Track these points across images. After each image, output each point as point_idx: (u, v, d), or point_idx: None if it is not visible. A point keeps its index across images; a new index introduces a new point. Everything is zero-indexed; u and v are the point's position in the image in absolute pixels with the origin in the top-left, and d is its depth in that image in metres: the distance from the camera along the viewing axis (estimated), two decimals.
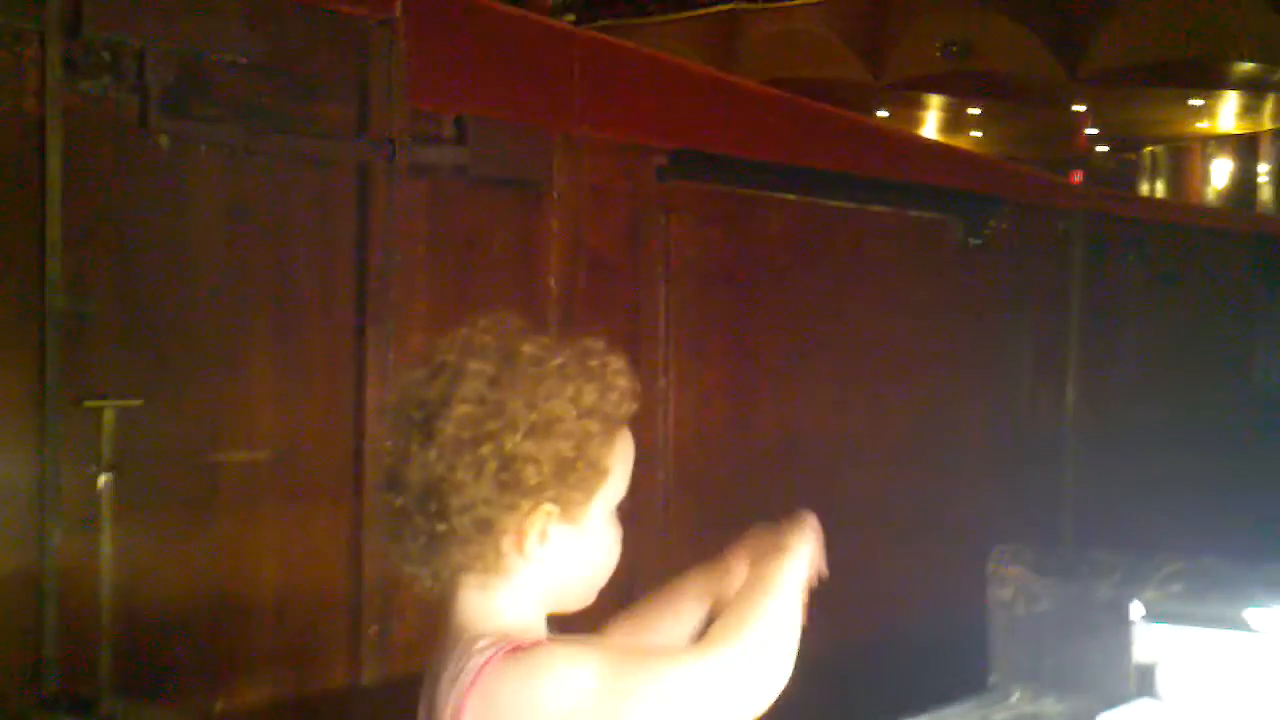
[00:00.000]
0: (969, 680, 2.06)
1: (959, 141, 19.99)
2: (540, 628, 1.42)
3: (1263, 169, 20.03)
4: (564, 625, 1.45)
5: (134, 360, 2.46)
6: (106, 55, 2.35)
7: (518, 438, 1.33)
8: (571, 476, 1.35)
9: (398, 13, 2.72)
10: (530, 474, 1.33)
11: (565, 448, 1.34)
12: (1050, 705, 1.94)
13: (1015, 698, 1.96)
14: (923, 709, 1.89)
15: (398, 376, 1.84)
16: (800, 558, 1.49)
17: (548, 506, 1.35)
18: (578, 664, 1.30)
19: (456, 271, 2.97)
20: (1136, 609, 1.89)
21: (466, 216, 3.00)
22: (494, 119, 3.00)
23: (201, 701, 2.36)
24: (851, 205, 3.99)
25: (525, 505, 1.34)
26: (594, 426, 1.36)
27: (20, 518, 2.31)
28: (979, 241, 4.37)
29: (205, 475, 2.55)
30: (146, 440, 2.44)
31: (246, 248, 2.61)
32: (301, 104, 2.66)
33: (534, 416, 1.34)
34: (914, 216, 4.22)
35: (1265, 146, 20.08)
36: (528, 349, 1.38)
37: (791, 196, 3.81)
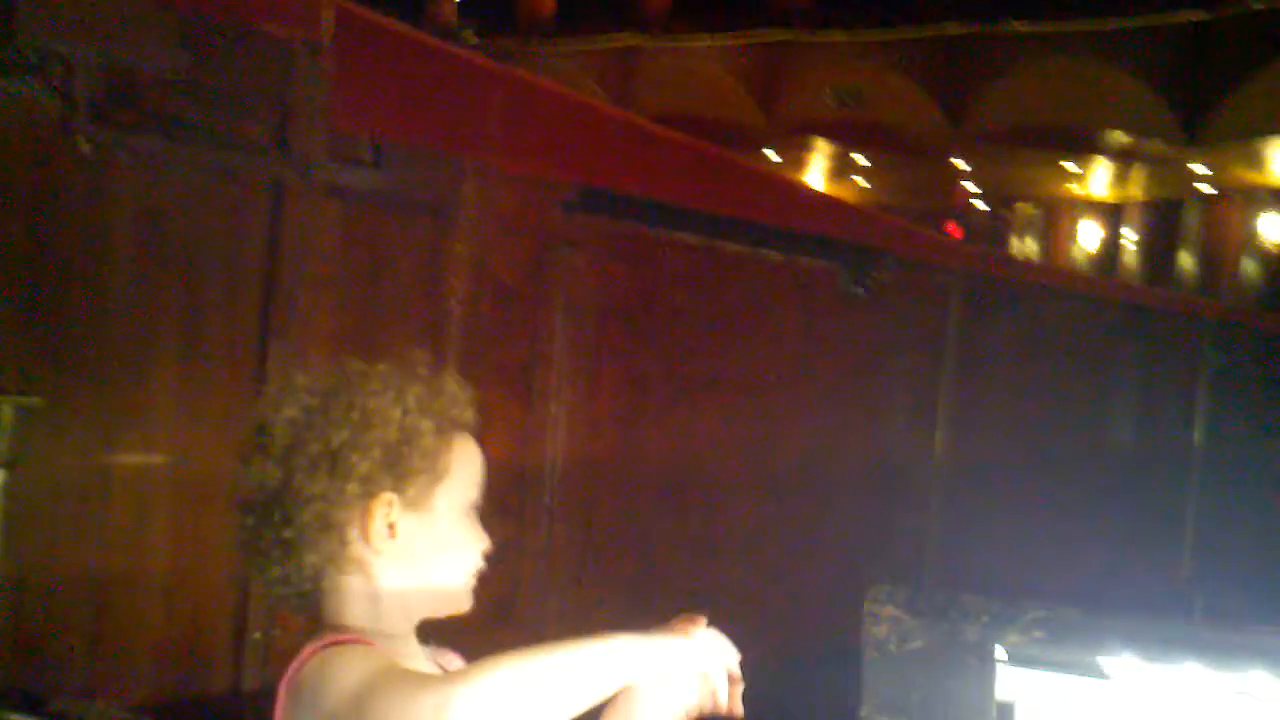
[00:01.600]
0: (839, 712, 2.17)
1: (844, 188, 20.44)
2: (400, 632, 1.46)
3: (1128, 235, 20.82)
4: None
5: (37, 358, 2.47)
6: (34, 59, 2.37)
7: (344, 432, 1.39)
8: (403, 465, 1.41)
9: (325, 37, 2.77)
10: (359, 462, 1.39)
11: (391, 436, 1.41)
12: None
13: None
14: None
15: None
16: (682, 658, 1.43)
17: (387, 495, 1.40)
18: (369, 665, 1.31)
19: (363, 291, 3.02)
20: (1000, 651, 2.02)
21: (376, 238, 3.05)
22: (410, 145, 3.06)
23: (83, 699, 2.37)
24: (746, 250, 4.12)
25: (361, 494, 1.40)
26: (422, 423, 1.43)
27: None
28: (863, 291, 4.53)
29: (100, 476, 2.57)
30: (45, 439, 2.45)
31: (158, 256, 2.63)
32: (223, 119, 2.69)
33: (355, 414, 1.40)
34: (803, 264, 4.37)
35: (1131, 214, 20.88)
36: (355, 366, 1.46)
37: (689, 238, 3.93)
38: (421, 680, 1.30)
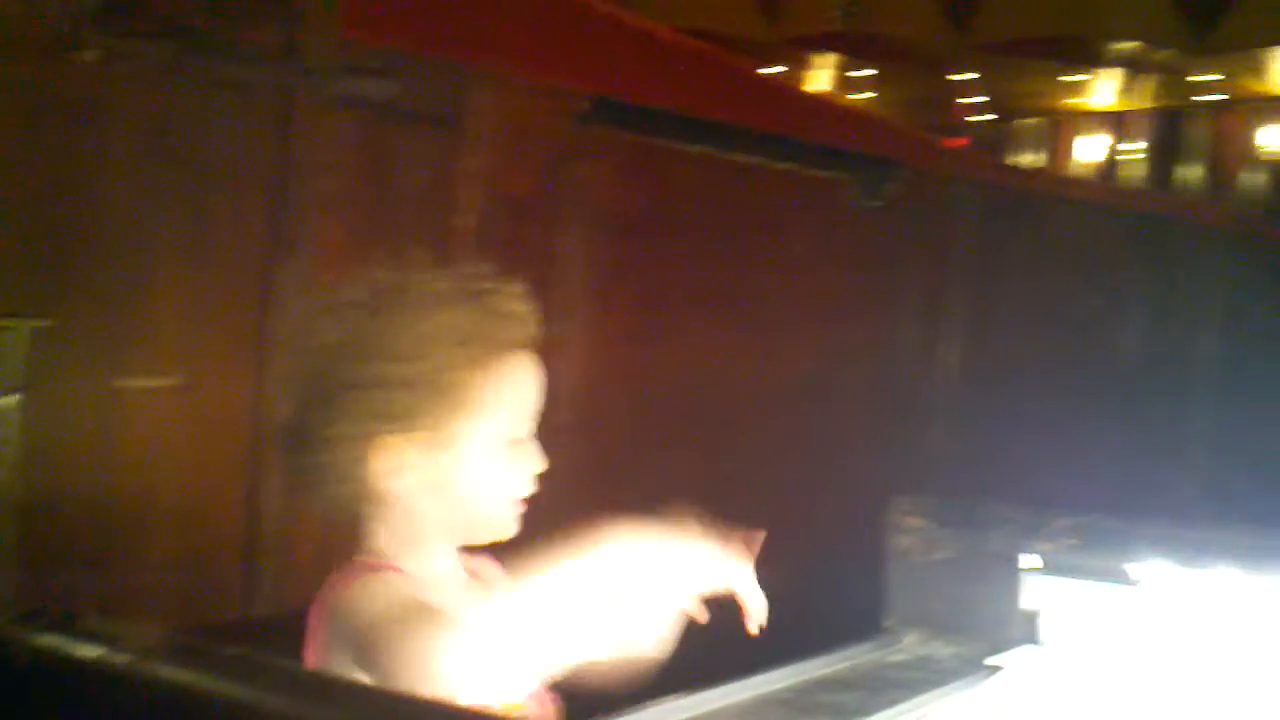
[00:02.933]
0: (863, 623, 2.16)
1: (849, 101, 20.22)
2: (436, 558, 1.45)
3: (1131, 147, 20.66)
4: None
5: (45, 279, 2.43)
6: None
7: (370, 366, 1.35)
8: (440, 403, 1.37)
9: None
10: (389, 401, 1.35)
11: (431, 372, 1.36)
12: (940, 649, 2.04)
13: (907, 641, 2.06)
14: (819, 652, 1.97)
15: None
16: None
17: (417, 434, 1.37)
18: (391, 599, 1.30)
19: (374, 205, 2.97)
20: (1027, 560, 2.00)
21: (386, 150, 3.00)
22: (420, 54, 3.00)
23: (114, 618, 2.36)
24: (759, 161, 4.06)
25: (392, 432, 1.36)
26: (466, 353, 1.37)
27: None
28: (875, 204, 4.48)
29: (112, 398, 2.54)
30: (56, 362, 2.42)
31: (165, 170, 2.58)
32: (230, 27, 2.63)
33: (397, 343, 1.36)
34: (815, 175, 4.31)
35: (1134, 125, 20.71)
36: (403, 278, 1.41)
37: (703, 150, 3.87)
38: (434, 623, 1.25)
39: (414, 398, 1.36)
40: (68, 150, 2.45)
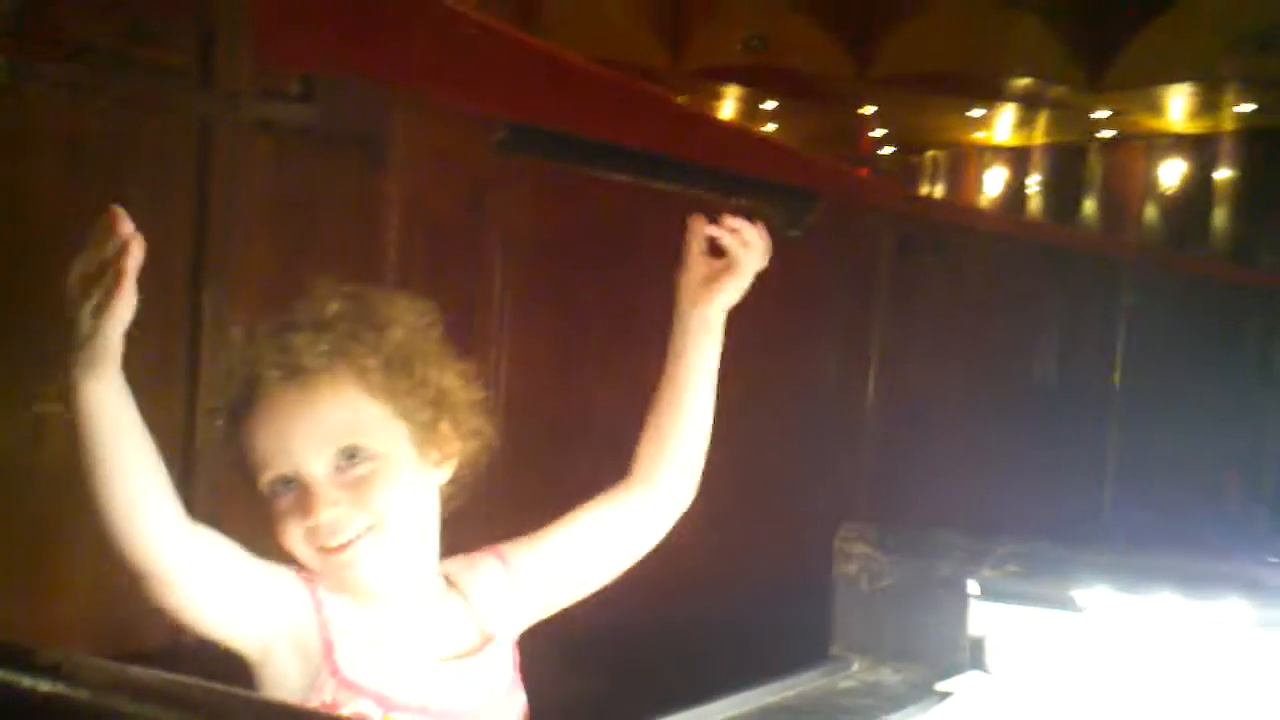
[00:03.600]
0: (809, 654, 2.14)
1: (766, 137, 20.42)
2: None
3: (1033, 180, 21.11)
4: None
5: None
6: None
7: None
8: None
9: None
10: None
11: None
12: (889, 675, 2.04)
13: (856, 667, 2.05)
14: (766, 680, 1.96)
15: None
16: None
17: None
18: None
19: (297, 229, 2.91)
20: (973, 586, 2.00)
21: (308, 174, 2.94)
22: (340, 77, 2.94)
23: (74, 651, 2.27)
24: (680, 189, 4.05)
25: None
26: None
27: None
28: (798, 233, 4.50)
29: (31, 427, 2.44)
30: None
31: (84, 194, 2.49)
32: (145, 49, 2.55)
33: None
34: (738, 204, 4.32)
35: (1036, 159, 21.17)
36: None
37: (623, 177, 3.85)
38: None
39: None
40: None
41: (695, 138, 4.21)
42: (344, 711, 1.32)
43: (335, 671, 1.35)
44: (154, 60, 2.60)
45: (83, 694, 0.83)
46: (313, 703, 1.31)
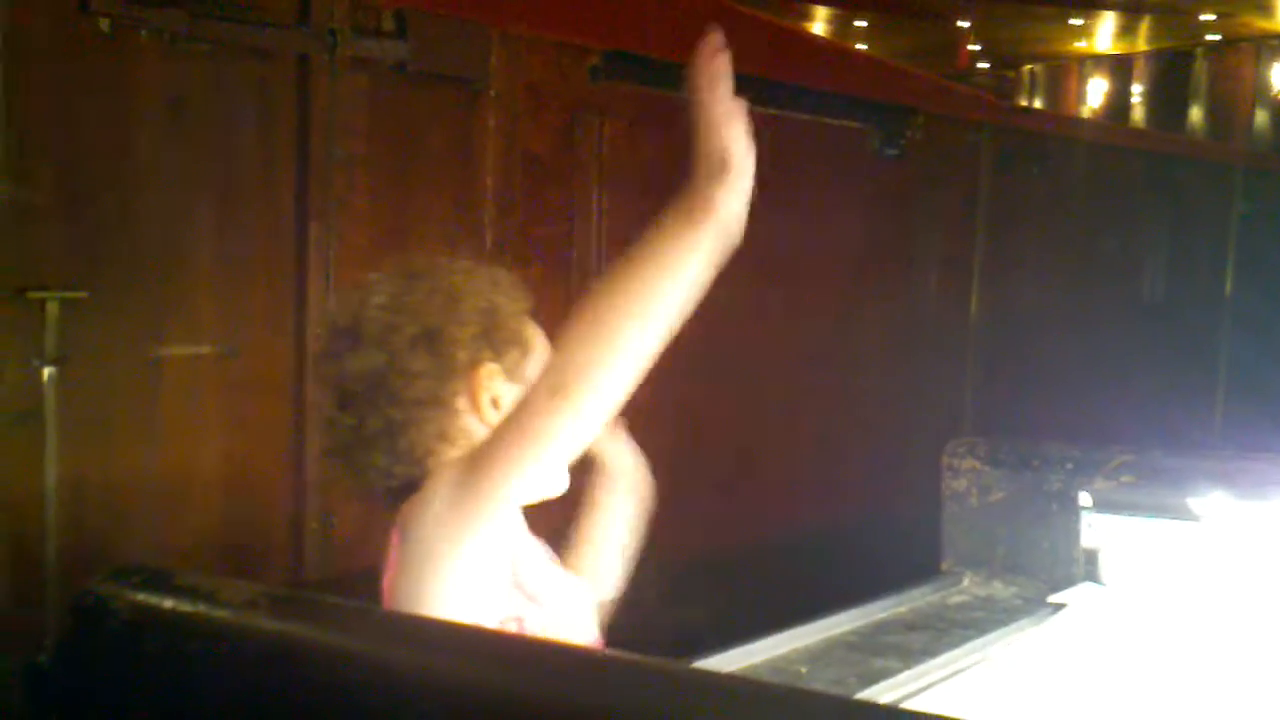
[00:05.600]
0: (921, 570, 2.14)
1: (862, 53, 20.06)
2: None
3: (1136, 90, 20.50)
4: None
5: (77, 252, 2.40)
6: None
7: (438, 310, 1.39)
8: (499, 335, 1.41)
9: None
10: (459, 333, 1.39)
11: (482, 308, 1.41)
12: (1000, 589, 2.03)
13: (967, 582, 2.05)
14: (880, 596, 1.96)
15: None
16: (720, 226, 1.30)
17: (489, 365, 1.39)
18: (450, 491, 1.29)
19: (396, 167, 2.94)
20: (1085, 498, 1.98)
21: (406, 112, 2.96)
22: (433, 14, 2.96)
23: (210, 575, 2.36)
24: (775, 112, 4.01)
25: (467, 364, 1.39)
26: (504, 297, 1.43)
27: None
28: (895, 151, 4.44)
29: (149, 369, 2.51)
30: (91, 333, 2.40)
31: (188, 138, 2.55)
32: None
33: (442, 294, 1.40)
34: (833, 125, 4.27)
35: (1139, 68, 20.53)
36: (431, 261, 1.46)
37: None
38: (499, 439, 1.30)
39: (481, 331, 1.40)
40: (92, 123, 2.41)
41: (790, 58, 4.16)
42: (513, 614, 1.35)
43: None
44: (252, 4, 2.64)
45: (224, 612, 0.86)
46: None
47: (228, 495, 2.64)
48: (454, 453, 1.38)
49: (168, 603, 0.87)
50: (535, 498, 1.48)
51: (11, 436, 2.30)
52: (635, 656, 0.82)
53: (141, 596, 0.89)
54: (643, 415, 3.70)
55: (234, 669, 0.84)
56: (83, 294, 2.35)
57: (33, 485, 2.32)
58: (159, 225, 2.52)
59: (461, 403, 1.39)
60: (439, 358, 1.38)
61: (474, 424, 1.39)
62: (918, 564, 2.18)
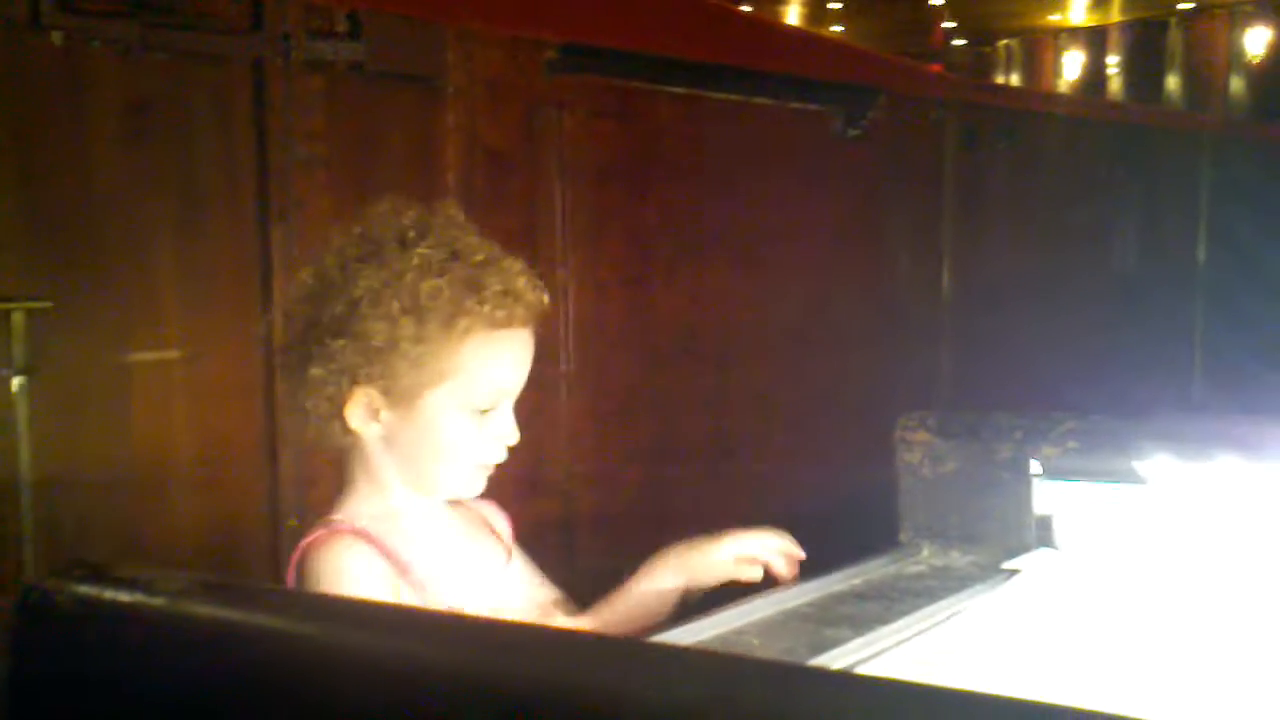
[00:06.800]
0: (878, 541, 2.17)
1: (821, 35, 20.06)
2: (406, 508, 1.48)
3: (1112, 61, 20.55)
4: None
5: (40, 262, 2.43)
6: None
7: (337, 313, 1.38)
8: (387, 364, 1.39)
9: None
10: (343, 349, 1.39)
11: (382, 332, 1.38)
12: (957, 558, 2.07)
13: (925, 552, 2.09)
14: (836, 568, 2.00)
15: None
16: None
17: (369, 388, 1.41)
18: (342, 561, 1.38)
19: (356, 167, 2.97)
20: (1035, 465, 2.02)
21: (364, 112, 2.99)
22: (388, 13, 2.98)
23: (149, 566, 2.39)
24: (736, 98, 4.04)
25: (344, 381, 1.40)
26: (426, 323, 1.38)
27: None
28: (857, 132, 4.47)
29: (117, 375, 2.55)
30: (57, 342, 2.43)
31: (147, 146, 2.58)
32: (195, 1, 2.62)
33: (357, 294, 1.38)
34: (796, 108, 4.30)
35: (1114, 39, 20.58)
36: (399, 235, 1.43)
37: (677, 89, 3.86)
38: (373, 590, 1.37)
39: (369, 353, 1.39)
40: (50, 134, 2.44)
41: (748, 43, 4.19)
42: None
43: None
44: (204, 11, 2.66)
45: (159, 601, 0.90)
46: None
47: (202, 497, 2.68)
48: (351, 452, 1.45)
49: (107, 593, 0.91)
50: (442, 496, 1.52)
51: None
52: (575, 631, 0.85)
53: (83, 589, 0.92)
54: (617, 404, 3.73)
55: (171, 653, 0.87)
56: (48, 304, 2.38)
57: (7, 493, 2.35)
58: (121, 234, 2.55)
59: (346, 414, 1.43)
60: (325, 361, 1.41)
61: (353, 436, 1.45)
62: (888, 540, 2.22)
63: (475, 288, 1.40)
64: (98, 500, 2.50)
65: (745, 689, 0.71)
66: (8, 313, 2.34)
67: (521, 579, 1.62)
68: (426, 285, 1.38)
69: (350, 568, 1.38)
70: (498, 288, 1.41)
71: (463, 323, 1.39)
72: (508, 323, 1.42)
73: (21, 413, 2.35)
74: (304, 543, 1.43)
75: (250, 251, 2.74)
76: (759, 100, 4.14)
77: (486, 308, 1.40)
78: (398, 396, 1.41)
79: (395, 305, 1.38)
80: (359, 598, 1.24)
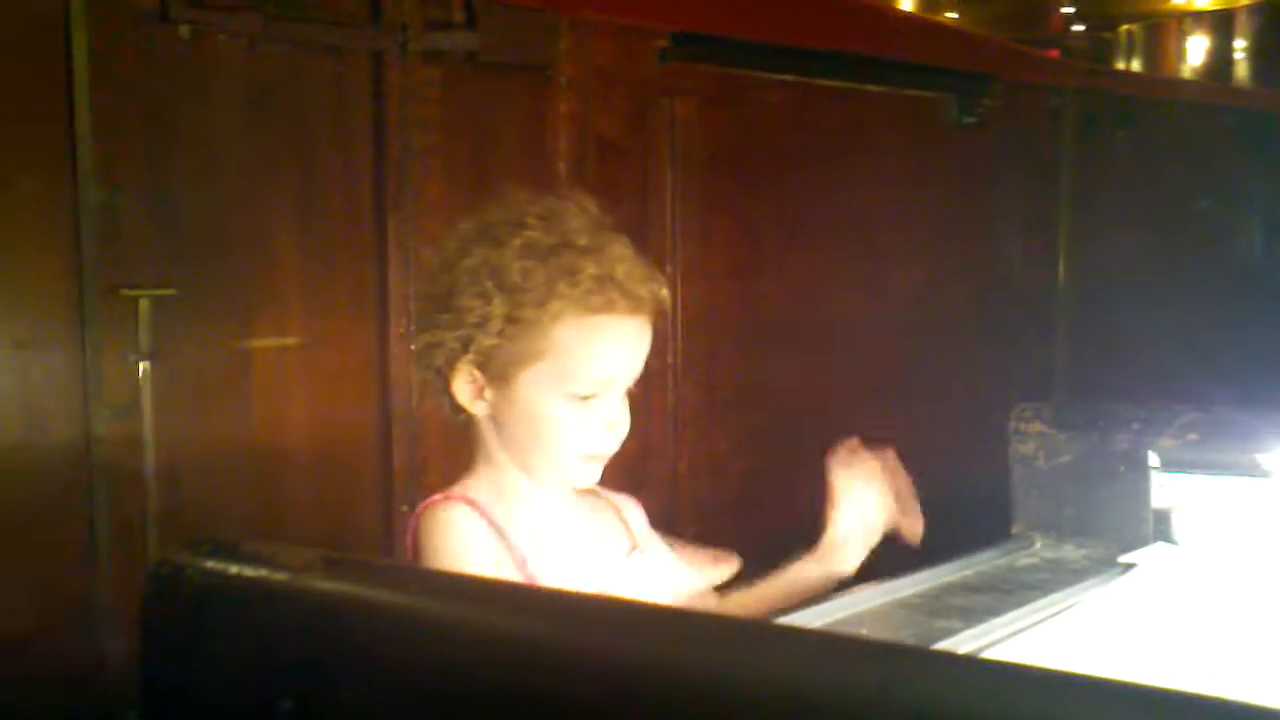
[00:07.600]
0: (989, 534, 2.15)
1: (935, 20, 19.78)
2: (523, 490, 1.51)
3: (1239, 45, 19.95)
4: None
5: (165, 250, 2.50)
6: None
7: (443, 289, 1.45)
8: (486, 339, 1.42)
9: None
10: (446, 324, 1.44)
11: (476, 309, 1.41)
12: (1071, 551, 2.04)
13: (1038, 545, 2.06)
14: (949, 559, 1.98)
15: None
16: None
17: (469, 365, 1.45)
18: (453, 527, 1.43)
19: (470, 156, 3.01)
20: (1154, 458, 1.97)
21: (478, 101, 3.03)
22: (502, 4, 3.02)
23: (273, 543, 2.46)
24: (848, 84, 4.01)
25: (445, 354, 1.45)
26: (515, 301, 1.40)
27: (65, 405, 2.38)
28: (972, 119, 4.41)
29: (238, 362, 2.62)
30: (181, 328, 2.50)
31: (268, 136, 2.64)
32: None
33: (460, 272, 1.43)
34: (909, 95, 4.25)
35: (1241, 22, 19.97)
36: (516, 219, 1.45)
37: (789, 77, 3.84)
38: (479, 559, 1.43)
39: (474, 329, 1.43)
40: (175, 125, 2.52)
41: (861, 29, 4.15)
42: None
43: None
44: (324, 4, 2.72)
45: (283, 575, 0.93)
46: None
47: (318, 483, 2.74)
48: (472, 429, 1.48)
49: (233, 568, 0.94)
50: (551, 483, 1.53)
51: (113, 428, 2.41)
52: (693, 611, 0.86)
53: (211, 564, 0.95)
54: (725, 397, 3.72)
55: (293, 625, 0.90)
56: (172, 291, 2.45)
57: (134, 474, 2.43)
58: (243, 223, 2.62)
59: (453, 387, 1.48)
60: (433, 341, 1.47)
61: (463, 408, 1.50)
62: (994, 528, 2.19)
63: (570, 272, 1.41)
64: (217, 483, 2.57)
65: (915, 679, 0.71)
66: (135, 299, 2.41)
67: (657, 569, 1.63)
68: (519, 265, 1.41)
69: (458, 524, 1.43)
70: (593, 272, 1.41)
71: (555, 305, 1.41)
72: (606, 309, 1.43)
73: (146, 397, 2.43)
74: (420, 507, 1.48)
75: (367, 240, 2.79)
76: (871, 87, 4.10)
77: (580, 292, 1.41)
78: (494, 374, 1.45)
79: (490, 284, 1.40)
80: (474, 574, 1.27)
